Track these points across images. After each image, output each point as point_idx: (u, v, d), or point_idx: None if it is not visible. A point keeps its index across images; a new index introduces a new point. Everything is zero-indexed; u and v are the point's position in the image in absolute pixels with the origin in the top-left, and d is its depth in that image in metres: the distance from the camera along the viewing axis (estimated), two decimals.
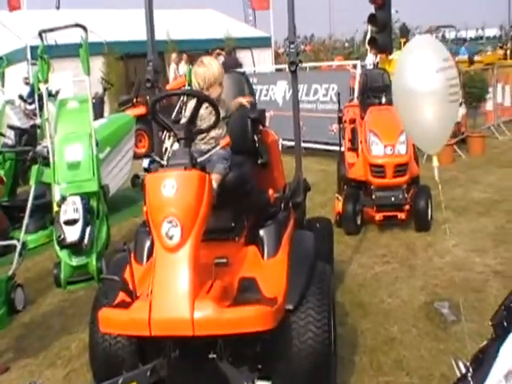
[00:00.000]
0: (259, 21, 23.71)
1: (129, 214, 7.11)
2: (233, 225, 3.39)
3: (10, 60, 13.23)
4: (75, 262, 4.94)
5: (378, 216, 6.03)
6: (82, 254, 4.95)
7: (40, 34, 5.54)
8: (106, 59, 16.05)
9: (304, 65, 11.22)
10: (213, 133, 3.33)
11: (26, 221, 4.94)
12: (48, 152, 5.56)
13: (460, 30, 30.98)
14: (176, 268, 2.71)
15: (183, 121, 3.21)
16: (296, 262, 3.23)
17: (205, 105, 3.17)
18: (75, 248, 4.90)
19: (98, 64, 15.03)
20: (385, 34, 9.43)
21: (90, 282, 5.00)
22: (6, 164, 6.79)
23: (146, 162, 7.39)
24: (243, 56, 17.41)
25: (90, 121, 5.45)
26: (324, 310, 3.06)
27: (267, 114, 6.25)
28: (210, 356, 2.86)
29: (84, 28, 5.46)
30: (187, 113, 3.25)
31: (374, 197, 6.01)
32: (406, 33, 17.02)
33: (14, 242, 4.88)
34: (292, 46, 4.07)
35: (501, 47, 26.08)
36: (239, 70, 12.24)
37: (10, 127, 7.89)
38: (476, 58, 21.91)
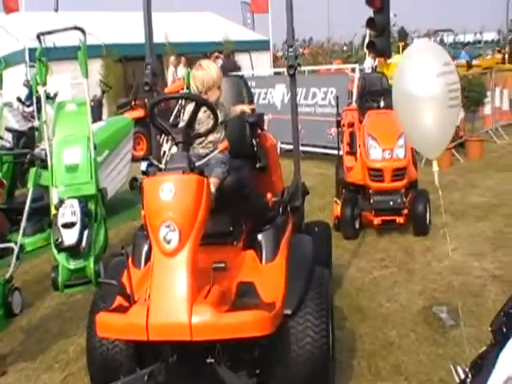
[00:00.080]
0: (258, 24, 23.76)
1: (127, 217, 7.09)
2: (231, 229, 3.39)
3: (8, 62, 13.19)
4: (73, 265, 4.91)
5: (377, 220, 6.02)
6: (80, 257, 4.92)
7: (38, 37, 5.52)
8: (104, 62, 16.03)
9: (302, 68, 11.20)
10: (211, 137, 3.33)
11: (23, 223, 4.92)
12: (46, 155, 5.54)
13: (458, 33, 31.06)
14: (174, 272, 2.70)
15: (181, 124, 3.21)
16: (294, 266, 3.22)
17: (203, 108, 3.18)
18: (73, 251, 4.88)
19: (96, 67, 15.03)
20: (383, 38, 9.46)
21: (88, 286, 4.98)
22: (3, 166, 6.77)
23: (144, 165, 7.39)
24: (241, 59, 17.45)
25: (88, 124, 5.44)
26: (322, 314, 3.05)
27: (265, 118, 6.25)
28: (208, 361, 2.85)
29: (82, 31, 5.45)
30: (185, 116, 3.26)
31: (372, 201, 6.00)
32: (404, 36, 17.07)
33: (12, 244, 4.86)
34: (290, 49, 4.07)
35: (499, 51, 26.16)
36: (237, 73, 12.26)
37: (8, 130, 7.89)
38: (474, 62, 21.98)
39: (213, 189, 3.06)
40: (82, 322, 4.02)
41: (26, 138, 7.64)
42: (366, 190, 6.15)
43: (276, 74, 14.04)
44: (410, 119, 3.43)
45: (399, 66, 3.56)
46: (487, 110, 11.30)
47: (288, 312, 2.96)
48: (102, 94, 12.41)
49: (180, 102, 3.76)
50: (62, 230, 4.83)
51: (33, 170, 5.05)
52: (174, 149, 3.14)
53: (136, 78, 13.63)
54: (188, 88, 8.19)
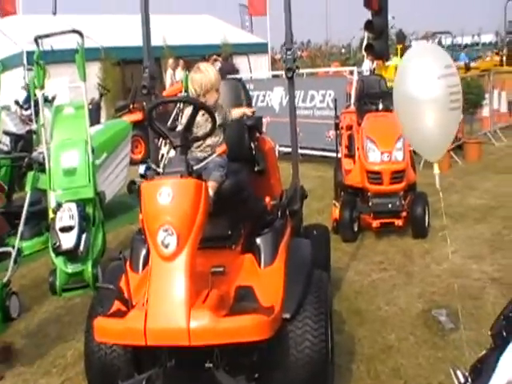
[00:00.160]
0: (256, 27, 23.78)
1: (125, 221, 7.08)
2: (229, 233, 3.37)
3: (5, 65, 13.18)
4: (71, 269, 4.91)
5: (375, 223, 6.01)
6: (78, 261, 4.92)
7: (36, 40, 5.52)
8: (102, 65, 16.02)
9: (301, 71, 11.22)
10: (209, 140, 3.32)
11: (21, 227, 4.91)
12: (44, 158, 5.53)
13: (456, 36, 31.10)
14: (172, 277, 2.69)
15: (179, 128, 3.20)
16: (293, 270, 3.22)
17: (201, 112, 3.16)
18: (71, 255, 4.87)
19: (94, 70, 15.03)
20: (381, 41, 9.48)
21: (86, 290, 4.97)
22: (1, 170, 6.76)
23: (142, 168, 7.36)
24: (240, 62, 17.45)
25: (86, 127, 5.44)
26: (321, 318, 3.04)
27: (264, 120, 6.23)
28: (207, 365, 2.84)
29: (80, 34, 5.45)
30: (183, 120, 3.25)
31: (370, 203, 5.99)
32: (402, 39, 17.06)
33: (9, 248, 4.85)
34: (289, 52, 4.06)
35: (497, 53, 26.18)
36: (236, 76, 12.26)
37: (6, 133, 7.88)
38: (472, 64, 22.01)
39: (211, 192, 3.06)
40: (80, 327, 4.00)
41: (24, 142, 7.62)
42: (364, 193, 6.14)
43: (274, 76, 14.04)
44: (411, 122, 3.41)
45: (400, 68, 3.54)
46: (485, 112, 11.32)
47: (287, 316, 2.96)
48: (100, 97, 12.39)
49: (178, 105, 3.75)
50: (59, 233, 4.82)
51: (30, 174, 5.03)
52: (172, 152, 3.13)
53: (134, 81, 13.57)
54: (186, 91, 8.18)
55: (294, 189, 4.27)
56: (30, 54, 11.69)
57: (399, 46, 14.40)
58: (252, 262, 3.26)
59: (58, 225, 4.85)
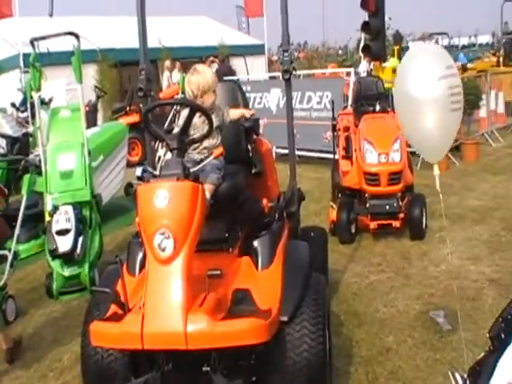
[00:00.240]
0: (253, 28, 23.78)
1: (122, 223, 7.04)
2: (226, 235, 3.36)
3: (2, 68, 13.19)
4: (67, 272, 4.89)
5: (373, 224, 6.00)
6: (75, 264, 4.90)
7: (32, 42, 5.50)
8: (99, 67, 16.00)
9: (298, 72, 11.20)
10: (206, 142, 3.30)
11: (17, 230, 4.88)
12: (40, 161, 5.51)
13: (453, 37, 31.18)
14: (169, 280, 2.67)
15: (176, 130, 3.19)
16: (290, 272, 3.21)
17: (198, 114, 3.15)
18: (67, 258, 4.85)
19: (91, 71, 15.00)
20: (378, 42, 9.46)
21: (83, 293, 4.95)
22: None
23: (139, 171, 7.31)
24: (237, 63, 17.45)
25: (82, 129, 5.42)
26: (319, 321, 3.03)
27: (261, 122, 6.22)
28: (204, 369, 2.83)
29: (76, 36, 5.43)
30: (180, 122, 3.22)
31: (368, 205, 5.98)
32: (399, 40, 17.08)
33: (6, 252, 4.82)
34: (286, 54, 4.04)
35: (493, 54, 26.20)
36: (232, 77, 12.25)
37: (2, 136, 7.86)
38: (469, 65, 22.03)
39: (208, 195, 3.04)
40: (76, 330, 3.98)
41: (21, 144, 7.60)
42: (361, 195, 6.13)
43: (271, 78, 14.04)
44: (412, 122, 3.40)
45: (401, 69, 3.52)
46: (482, 112, 11.31)
47: (284, 319, 2.95)
48: (97, 100, 12.37)
49: (175, 107, 3.74)
50: (56, 236, 4.80)
51: (27, 177, 5.02)
52: (169, 155, 3.11)
53: (131, 82, 13.58)
54: (183, 93, 8.17)
55: (291, 191, 4.25)
56: (26, 56, 11.66)
57: (396, 47, 14.43)
58: (249, 264, 3.24)
59: (55, 228, 4.83)
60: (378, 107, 6.61)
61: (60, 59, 10.81)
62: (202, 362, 2.83)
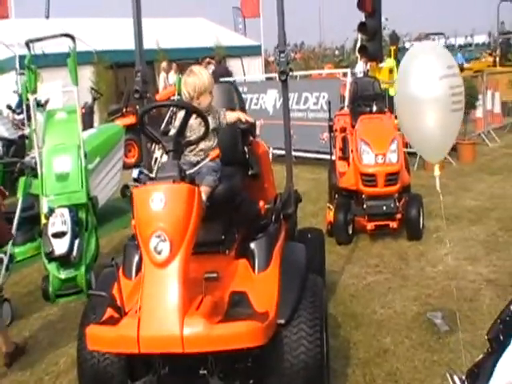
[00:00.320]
0: (249, 29, 23.73)
1: (119, 225, 7.04)
2: (223, 238, 3.35)
3: None
4: (64, 274, 4.87)
5: (370, 225, 5.99)
6: (71, 266, 4.88)
7: (27, 44, 5.49)
8: (95, 68, 15.97)
9: (294, 73, 11.20)
10: (202, 144, 3.30)
11: (13, 233, 4.87)
12: (36, 163, 5.48)
13: (449, 37, 31.16)
14: (165, 284, 2.66)
15: (172, 132, 3.17)
16: (287, 275, 3.19)
17: (194, 115, 3.14)
18: (64, 261, 4.84)
19: (87, 73, 14.97)
20: (375, 42, 9.45)
21: (79, 295, 4.93)
22: None
23: (135, 173, 7.28)
24: (233, 65, 17.41)
25: (78, 132, 5.40)
26: (316, 323, 3.02)
27: (257, 123, 6.21)
28: (201, 372, 2.82)
29: (72, 37, 5.42)
30: (176, 123, 3.21)
31: (365, 206, 5.97)
32: (395, 40, 17.07)
33: (1, 255, 4.80)
34: (282, 55, 4.03)
35: (490, 54, 26.23)
36: (229, 78, 12.23)
37: None
38: (465, 65, 22.05)
39: (204, 197, 3.04)
40: (73, 333, 3.96)
41: (17, 147, 7.58)
42: (358, 195, 6.12)
43: (268, 79, 14.03)
44: (412, 122, 3.38)
45: (402, 68, 3.51)
46: (479, 112, 11.32)
47: (281, 321, 2.93)
48: (93, 101, 12.33)
49: (172, 108, 3.73)
50: (52, 239, 4.78)
51: (22, 179, 5.00)
52: (165, 157, 3.10)
53: (127, 84, 13.56)
54: (179, 94, 8.16)
55: (287, 192, 4.24)
56: (22, 58, 11.63)
57: (392, 48, 14.40)
58: (246, 267, 3.23)
59: (51, 230, 4.81)
60: (374, 108, 6.60)
61: (56, 61, 10.77)
62: (199, 365, 2.81)
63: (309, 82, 12.15)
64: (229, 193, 3.31)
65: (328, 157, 7.18)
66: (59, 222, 4.84)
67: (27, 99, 6.11)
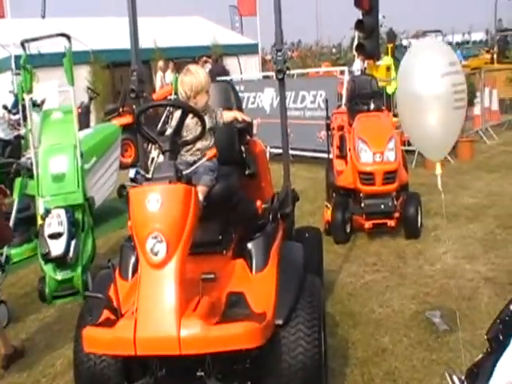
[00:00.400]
0: (246, 27, 23.69)
1: (115, 225, 7.01)
2: (220, 238, 3.33)
3: None
4: (60, 276, 4.85)
5: (368, 224, 5.97)
6: (67, 267, 4.86)
7: (22, 44, 5.46)
8: (91, 68, 15.91)
9: (291, 71, 11.18)
10: (199, 144, 3.29)
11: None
12: (32, 164, 5.45)
13: (447, 34, 31.14)
14: (161, 285, 2.65)
15: (168, 132, 3.15)
16: (285, 275, 3.18)
17: (191, 115, 3.12)
18: (60, 262, 4.81)
19: (83, 73, 14.91)
20: (372, 40, 9.44)
21: (76, 296, 4.91)
22: None
23: (132, 172, 7.29)
24: (230, 63, 17.39)
25: (74, 132, 5.37)
26: (314, 324, 3.01)
27: (254, 122, 6.18)
28: (198, 374, 2.80)
29: (68, 37, 5.39)
30: (173, 123, 3.20)
31: (363, 205, 5.95)
32: (393, 38, 17.05)
33: None
34: (279, 53, 4.02)
35: (487, 51, 26.22)
36: (226, 77, 12.21)
37: None
38: (463, 62, 22.04)
39: (201, 197, 3.03)
40: (69, 335, 3.93)
41: (12, 147, 7.54)
42: (356, 194, 6.11)
43: (265, 77, 13.99)
44: (414, 120, 3.35)
45: (403, 65, 3.47)
46: (477, 110, 11.31)
47: (279, 322, 2.92)
48: (90, 101, 12.28)
49: (168, 108, 3.72)
50: (48, 240, 4.76)
51: (18, 180, 4.97)
52: (162, 157, 3.08)
53: (124, 83, 13.54)
54: (176, 94, 8.13)
55: (285, 192, 4.22)
56: (18, 58, 11.59)
57: (390, 45, 14.39)
58: (243, 267, 3.21)
59: (47, 231, 4.79)
60: (372, 106, 6.58)
61: (52, 61, 10.73)
62: (196, 367, 2.80)
63: (306, 81, 12.14)
64: (226, 192, 3.29)
65: (325, 155, 7.17)
66: (55, 222, 4.81)
67: (23, 99, 6.08)
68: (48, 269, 4.86)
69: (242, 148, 3.78)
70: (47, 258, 4.77)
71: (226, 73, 14.06)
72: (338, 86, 10.22)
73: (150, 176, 3.02)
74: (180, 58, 15.01)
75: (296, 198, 4.43)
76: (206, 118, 3.19)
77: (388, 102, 10.42)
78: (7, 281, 5.14)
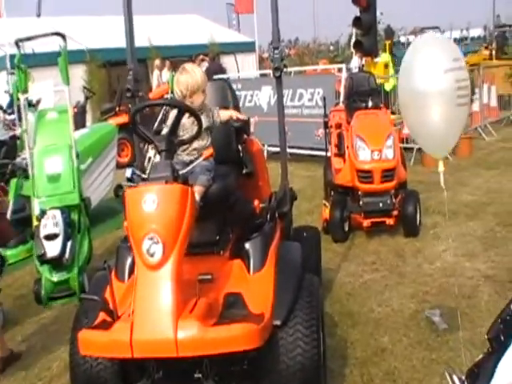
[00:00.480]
0: (243, 25, 23.71)
1: (112, 226, 6.97)
2: (217, 238, 3.31)
3: None
4: (56, 277, 4.81)
5: (366, 222, 5.94)
6: (63, 269, 4.82)
7: (17, 43, 5.42)
8: (87, 67, 15.86)
9: (289, 69, 11.15)
10: (195, 144, 3.27)
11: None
12: (27, 164, 5.41)
13: (445, 30, 31.15)
14: (158, 286, 2.63)
15: (164, 131, 3.13)
16: (283, 275, 3.16)
17: (187, 114, 3.10)
18: (56, 263, 4.77)
19: (79, 72, 14.86)
20: (370, 37, 9.42)
21: (72, 298, 4.87)
22: None
23: (129, 172, 7.25)
24: (227, 61, 17.35)
25: (69, 132, 5.33)
26: (313, 324, 2.98)
27: (252, 120, 6.14)
28: (196, 376, 2.79)
29: (63, 36, 5.35)
30: (169, 122, 3.17)
31: (361, 203, 5.92)
32: (390, 35, 17.06)
33: None
34: (276, 51, 4.00)
35: (486, 47, 26.18)
36: (223, 75, 12.17)
37: None
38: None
39: (197, 197, 3.01)
40: (66, 337, 3.86)
41: (8, 148, 7.46)
42: (354, 192, 6.07)
43: (262, 75, 13.96)
44: (416, 116, 3.31)
45: (405, 61, 3.43)
46: (475, 106, 11.25)
47: (277, 323, 2.90)
48: (86, 100, 12.22)
49: (164, 107, 3.70)
50: (44, 241, 4.72)
51: (14, 181, 4.93)
52: (158, 157, 3.06)
53: (120, 83, 13.47)
54: (172, 92, 8.09)
55: (283, 191, 4.20)
56: (12, 57, 11.54)
57: (388, 42, 14.39)
58: (241, 267, 3.19)
59: (43, 232, 4.75)
60: (370, 103, 6.54)
61: (48, 60, 10.67)
62: (194, 369, 2.79)
63: (303, 78, 12.11)
64: (223, 192, 3.27)
65: (323, 153, 7.13)
66: (51, 223, 4.77)
67: (18, 99, 6.05)
68: (44, 270, 4.82)
69: (239, 147, 3.76)
70: (43, 259, 4.73)
71: (223, 71, 14.02)
72: (335, 84, 10.19)
73: (146, 176, 3.00)
74: (177, 57, 14.96)
75: (294, 197, 4.40)
76: (203, 118, 3.18)
77: (386, 99, 10.41)
78: (3, 282, 5.09)
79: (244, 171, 3.73)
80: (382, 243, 5.92)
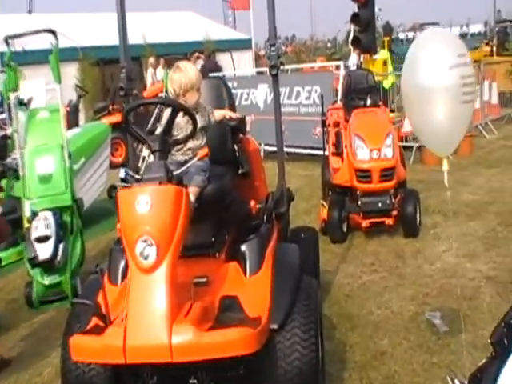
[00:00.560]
0: (239, 22, 23.65)
1: (106, 227, 6.89)
2: (212, 240, 3.27)
3: None
4: (48, 280, 4.71)
5: (365, 223, 5.87)
6: (55, 272, 4.72)
7: (6, 40, 5.32)
8: (80, 65, 15.76)
9: (285, 67, 11.08)
10: (190, 143, 3.24)
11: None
12: (18, 164, 5.31)
13: (444, 26, 31.09)
14: (152, 290, 2.58)
15: (158, 131, 3.08)
16: (280, 277, 3.11)
17: (182, 113, 3.03)
18: (47, 266, 4.66)
19: (72, 70, 14.76)
20: (368, 34, 9.35)
21: (65, 302, 4.77)
22: None
23: (122, 172, 7.17)
24: (223, 59, 17.26)
25: (61, 131, 5.23)
26: (311, 327, 2.93)
27: (248, 119, 6.08)
28: (191, 382, 2.75)
29: (54, 33, 5.25)
30: (163, 122, 3.12)
31: (360, 203, 5.85)
32: (389, 31, 17.01)
33: None
34: (273, 48, 3.95)
35: (486, 44, 26.11)
36: (219, 73, 12.10)
37: None
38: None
39: (192, 198, 2.96)
40: (57, 342, 3.78)
41: None
42: (353, 192, 6.00)
43: (258, 73, 13.90)
44: (420, 114, 3.24)
45: (409, 57, 3.35)
46: (476, 104, 11.19)
47: (274, 326, 2.84)
48: (78, 99, 12.14)
49: (159, 105, 3.67)
50: (35, 244, 4.61)
51: (4, 181, 4.82)
52: (152, 157, 2.99)
53: (114, 81, 13.39)
54: (167, 91, 8.01)
55: (280, 191, 4.13)
56: (2, 55, 11.44)
57: (386, 39, 14.33)
58: (237, 270, 3.15)
59: (34, 235, 4.65)
60: (368, 101, 6.47)
61: (39, 58, 10.57)
62: (189, 374, 2.75)
63: (300, 76, 12.04)
64: (218, 193, 3.22)
65: (321, 152, 7.07)
66: (42, 225, 4.67)
67: (8, 98, 5.97)
68: (35, 273, 4.71)
69: (235, 146, 3.71)
70: (34, 262, 4.62)
71: (219, 69, 13.94)
72: (333, 82, 10.12)
73: (139, 176, 2.93)
74: (171, 54, 14.86)
75: (291, 197, 4.35)
76: (198, 117, 3.14)
77: (385, 97, 10.33)
78: None
79: (240, 171, 3.69)
80: (381, 244, 5.85)
